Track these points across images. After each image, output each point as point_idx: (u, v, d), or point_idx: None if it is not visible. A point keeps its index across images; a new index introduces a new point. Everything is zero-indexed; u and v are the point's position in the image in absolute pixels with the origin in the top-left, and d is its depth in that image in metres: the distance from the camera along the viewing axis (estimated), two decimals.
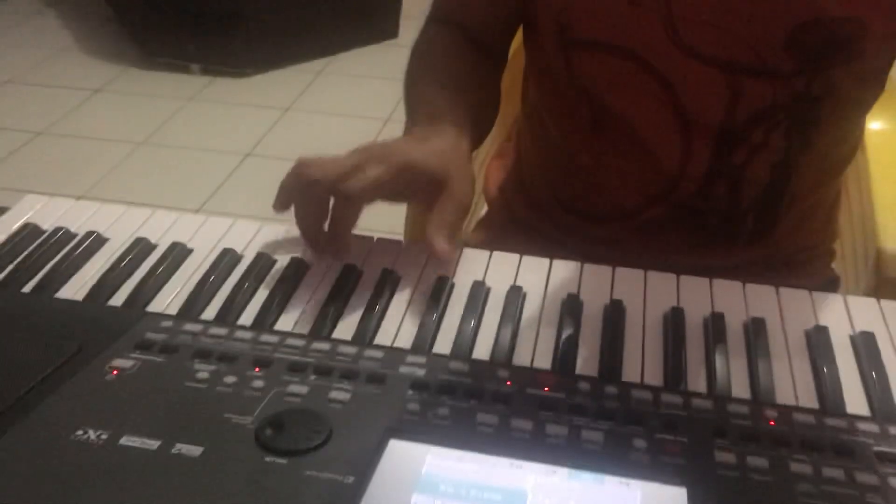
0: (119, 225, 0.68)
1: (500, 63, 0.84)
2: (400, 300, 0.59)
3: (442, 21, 0.82)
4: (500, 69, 0.84)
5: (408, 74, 0.78)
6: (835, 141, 0.77)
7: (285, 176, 0.62)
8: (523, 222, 0.88)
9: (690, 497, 0.42)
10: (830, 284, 0.87)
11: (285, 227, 0.64)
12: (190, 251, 0.64)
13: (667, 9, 0.67)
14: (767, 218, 0.77)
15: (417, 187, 0.62)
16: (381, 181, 0.59)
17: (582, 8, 0.71)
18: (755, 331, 0.57)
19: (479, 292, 0.59)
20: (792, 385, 0.53)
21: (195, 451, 0.44)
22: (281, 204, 0.62)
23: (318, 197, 0.60)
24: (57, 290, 0.60)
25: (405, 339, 0.55)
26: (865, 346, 0.55)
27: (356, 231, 0.66)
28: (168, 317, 0.55)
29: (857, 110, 0.77)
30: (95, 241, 0.65)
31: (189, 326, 0.54)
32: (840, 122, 0.75)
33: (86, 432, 0.45)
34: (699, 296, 0.60)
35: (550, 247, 0.83)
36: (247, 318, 0.57)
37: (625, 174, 0.77)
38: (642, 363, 0.54)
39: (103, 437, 0.44)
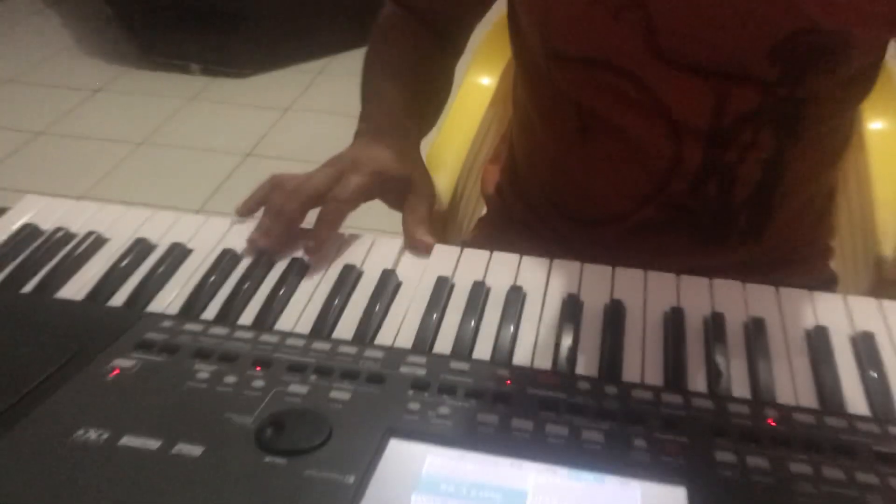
0: (119, 225, 0.68)
1: (455, 50, 0.87)
2: (400, 300, 0.59)
3: (400, 3, 0.85)
4: (455, 56, 0.87)
5: (366, 59, 0.82)
6: (826, 135, 0.76)
7: (260, 185, 0.69)
8: (521, 222, 0.88)
9: (690, 497, 0.43)
10: (829, 283, 0.87)
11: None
12: (190, 251, 0.64)
13: (648, 21, 0.67)
14: (760, 215, 0.77)
15: (387, 188, 0.69)
16: (363, 187, 0.66)
17: (562, 21, 0.71)
18: (755, 330, 0.57)
19: (479, 292, 0.59)
20: (792, 385, 0.53)
21: (195, 451, 0.44)
22: (249, 209, 0.68)
23: (300, 204, 0.64)
24: (57, 290, 0.60)
25: (405, 339, 0.55)
26: (865, 346, 0.55)
27: (356, 231, 0.67)
28: (168, 317, 0.55)
29: (845, 108, 0.77)
30: (95, 242, 0.65)
31: (189, 326, 0.54)
32: (829, 120, 0.75)
33: (86, 432, 0.45)
34: (699, 296, 0.60)
35: (548, 246, 0.83)
36: (247, 317, 0.57)
37: (614, 176, 0.77)
38: (642, 363, 0.54)
39: (104, 437, 0.44)
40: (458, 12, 0.84)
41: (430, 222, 0.69)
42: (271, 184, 0.68)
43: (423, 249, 0.65)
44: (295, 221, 0.64)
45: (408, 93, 0.77)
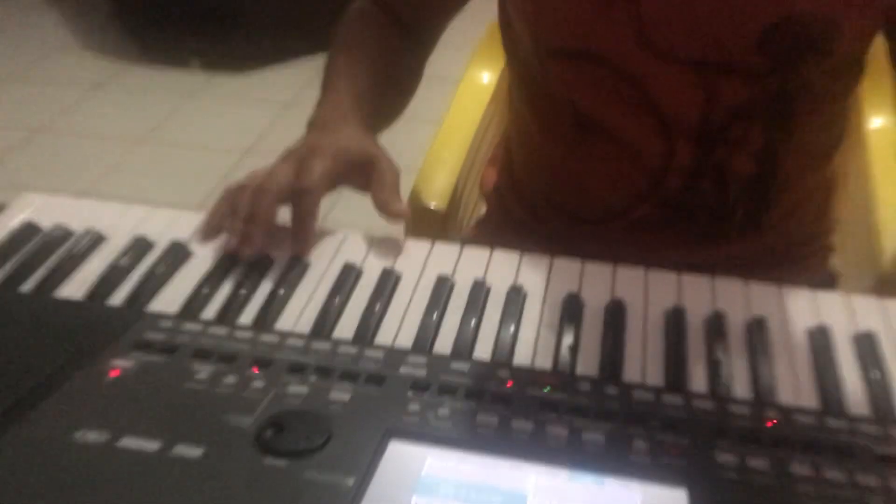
0: (118, 223, 0.67)
1: (425, 48, 0.86)
2: (400, 300, 0.59)
3: None
4: (424, 53, 0.86)
5: (330, 50, 0.81)
6: (817, 129, 0.77)
7: (217, 202, 0.66)
8: (520, 221, 0.88)
9: (691, 498, 0.42)
10: (830, 282, 0.87)
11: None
12: (190, 250, 0.64)
13: (636, 13, 0.67)
14: (757, 210, 0.77)
15: (350, 170, 0.67)
16: (328, 171, 0.64)
17: (552, 17, 0.71)
18: (756, 330, 0.56)
19: (479, 292, 0.59)
20: (793, 385, 0.53)
21: (195, 452, 0.44)
22: (214, 227, 0.65)
23: (270, 202, 0.62)
24: (56, 289, 0.60)
25: (405, 339, 0.55)
26: (867, 346, 0.55)
27: (355, 231, 0.67)
28: (168, 316, 0.55)
29: (835, 100, 0.77)
30: (95, 240, 0.65)
31: (189, 326, 0.54)
32: (819, 113, 0.75)
33: (85, 433, 0.44)
34: (700, 295, 0.60)
35: (548, 245, 0.83)
36: (247, 317, 0.57)
37: (610, 175, 0.77)
38: (643, 363, 0.54)
39: (103, 437, 0.44)
40: (429, 10, 0.84)
41: (399, 196, 0.67)
42: (229, 195, 0.66)
43: (398, 215, 0.64)
44: (271, 221, 0.63)
45: (365, 84, 0.76)
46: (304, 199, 0.63)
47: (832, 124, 0.79)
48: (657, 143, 0.73)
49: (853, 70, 0.74)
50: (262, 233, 0.62)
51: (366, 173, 0.67)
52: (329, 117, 0.72)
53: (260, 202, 0.62)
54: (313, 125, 0.71)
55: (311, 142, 0.68)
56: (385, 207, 0.65)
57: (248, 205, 0.63)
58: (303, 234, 0.63)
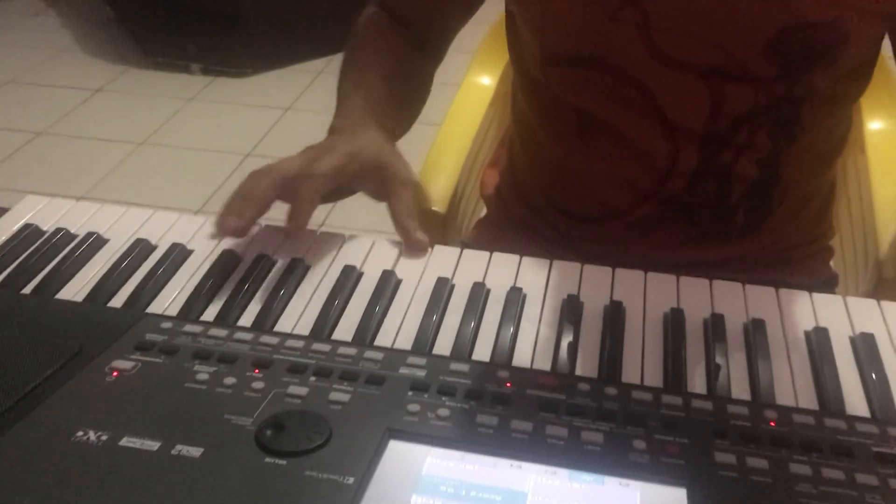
0: (119, 226, 0.68)
1: (436, 55, 0.87)
2: (400, 301, 0.59)
3: (383, 6, 0.85)
4: (435, 61, 0.87)
5: (344, 59, 0.82)
6: (821, 134, 0.77)
7: (242, 185, 0.64)
8: (521, 222, 0.88)
9: (690, 498, 0.43)
10: (829, 283, 0.87)
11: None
12: (190, 252, 0.64)
13: (644, 21, 0.67)
14: (759, 211, 0.78)
15: (363, 175, 0.67)
16: (338, 166, 0.64)
17: (559, 25, 0.72)
18: (755, 332, 0.56)
19: (479, 293, 0.59)
20: (792, 386, 0.53)
21: (195, 452, 0.44)
22: (244, 217, 0.63)
23: (270, 183, 0.62)
24: (57, 291, 0.60)
25: (405, 340, 0.55)
26: (865, 348, 0.55)
27: (358, 232, 0.67)
28: (168, 318, 0.55)
29: (840, 106, 0.77)
30: (95, 242, 0.65)
31: (189, 327, 0.54)
32: (824, 119, 0.75)
33: (86, 433, 0.45)
34: (699, 297, 0.60)
35: (548, 245, 0.83)
36: (247, 319, 0.57)
37: (613, 175, 0.77)
38: (642, 364, 0.54)
39: (103, 438, 0.44)
40: (440, 17, 0.84)
41: (417, 212, 0.67)
42: (263, 175, 0.65)
43: (418, 248, 0.65)
44: (264, 201, 0.62)
45: (382, 92, 0.77)
46: (306, 183, 0.62)
47: (836, 129, 0.80)
48: (662, 146, 0.73)
49: (859, 76, 0.75)
50: (252, 210, 0.62)
51: (380, 180, 0.67)
52: (348, 122, 0.72)
53: (258, 182, 0.62)
54: (333, 130, 0.72)
55: (328, 142, 0.69)
56: (404, 229, 0.65)
57: (248, 185, 0.63)
58: (297, 214, 0.62)
